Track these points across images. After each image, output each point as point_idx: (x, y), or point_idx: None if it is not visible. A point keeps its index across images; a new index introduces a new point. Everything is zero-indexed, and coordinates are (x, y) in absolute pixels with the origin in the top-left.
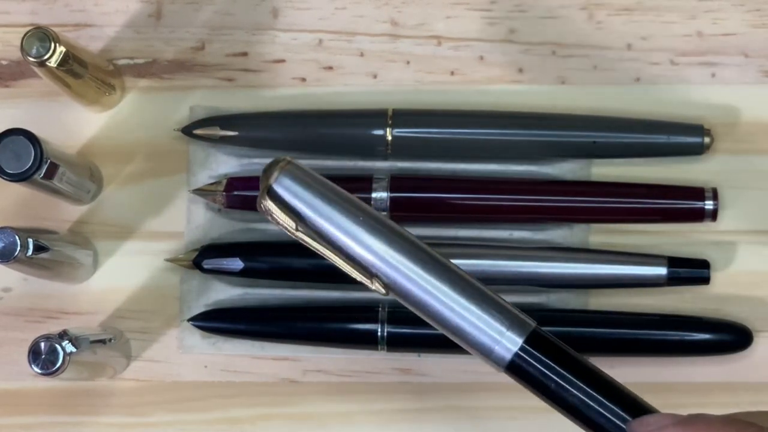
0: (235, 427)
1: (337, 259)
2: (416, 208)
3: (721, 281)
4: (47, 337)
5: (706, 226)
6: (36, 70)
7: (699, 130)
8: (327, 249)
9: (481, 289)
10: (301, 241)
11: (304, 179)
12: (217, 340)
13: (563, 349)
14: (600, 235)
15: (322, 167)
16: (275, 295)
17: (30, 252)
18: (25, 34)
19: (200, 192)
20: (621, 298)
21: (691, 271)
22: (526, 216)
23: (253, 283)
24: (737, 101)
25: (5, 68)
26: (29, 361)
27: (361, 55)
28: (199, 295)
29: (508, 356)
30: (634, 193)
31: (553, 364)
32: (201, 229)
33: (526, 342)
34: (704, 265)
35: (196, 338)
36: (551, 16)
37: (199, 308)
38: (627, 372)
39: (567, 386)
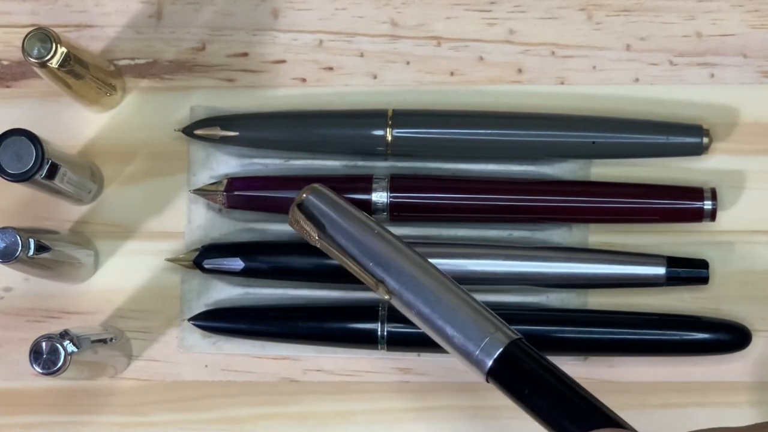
0: (236, 426)
1: (350, 264)
2: (416, 208)
3: (719, 281)
4: (48, 337)
5: (705, 226)
6: (37, 70)
7: (698, 130)
8: (342, 256)
9: (471, 302)
10: (321, 248)
11: (328, 199)
12: (217, 340)
13: (541, 361)
14: (599, 235)
15: (322, 167)
16: (275, 295)
17: (31, 252)
18: (26, 35)
19: (201, 192)
20: (620, 297)
21: (690, 270)
22: (526, 216)
23: (254, 283)
24: (736, 101)
25: (6, 68)
26: (30, 361)
27: (361, 55)
28: (200, 295)
29: (489, 363)
30: (633, 193)
31: (528, 373)
32: (201, 229)
33: (505, 351)
34: (703, 265)
35: (196, 338)
36: (551, 16)
37: (199, 308)
38: (626, 371)
39: (539, 398)
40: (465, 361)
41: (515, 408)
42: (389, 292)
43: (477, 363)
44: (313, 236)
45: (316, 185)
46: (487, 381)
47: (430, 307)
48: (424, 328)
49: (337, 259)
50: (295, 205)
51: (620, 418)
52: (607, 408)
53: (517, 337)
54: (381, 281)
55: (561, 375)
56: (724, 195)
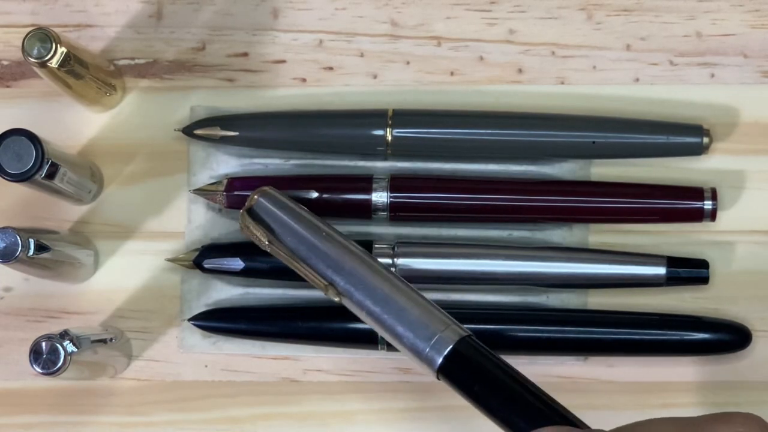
0: (236, 426)
1: (300, 268)
2: (416, 208)
3: (720, 281)
4: (48, 337)
5: (706, 226)
6: (37, 70)
7: (698, 130)
8: (292, 260)
9: (420, 300)
10: (272, 252)
11: (278, 202)
12: (217, 340)
13: (490, 358)
14: (599, 234)
15: (322, 167)
16: (275, 295)
17: (31, 252)
18: (26, 35)
19: (201, 192)
20: (620, 297)
21: (690, 270)
22: (526, 216)
23: (254, 282)
24: (736, 101)
25: (6, 68)
26: (30, 361)
27: (361, 55)
28: (200, 295)
29: (439, 361)
30: (634, 193)
31: (478, 369)
32: (201, 229)
33: (455, 348)
34: (703, 265)
35: (196, 338)
36: (551, 16)
37: (199, 308)
38: (626, 372)
39: (490, 395)
40: (416, 360)
41: None
42: (339, 294)
43: (427, 360)
44: (263, 241)
45: (266, 188)
46: (438, 378)
47: (379, 306)
48: (375, 328)
49: (288, 263)
50: (245, 211)
51: (574, 416)
52: (561, 406)
53: (466, 334)
54: (331, 284)
55: (512, 372)
56: (724, 195)
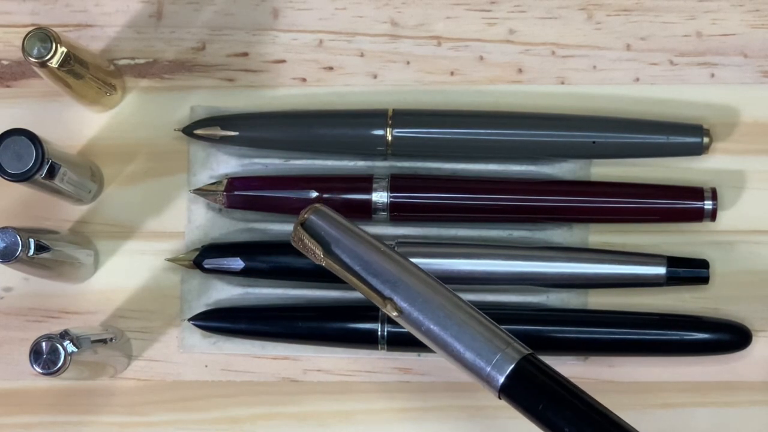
0: (236, 426)
1: (357, 283)
2: (416, 208)
3: (720, 281)
4: (48, 337)
5: (706, 226)
6: (37, 70)
7: (698, 130)
8: (349, 274)
9: (480, 318)
10: (327, 266)
11: (331, 219)
12: (217, 340)
13: (554, 376)
14: (599, 234)
15: (322, 167)
16: (275, 295)
17: (31, 252)
18: (26, 35)
19: (201, 192)
20: (620, 297)
21: (690, 270)
22: (526, 216)
23: (254, 282)
24: (736, 101)
25: (6, 68)
26: (30, 361)
27: (361, 55)
28: (200, 295)
29: (501, 379)
30: (634, 193)
31: (542, 388)
32: (201, 229)
33: (517, 367)
34: (703, 264)
35: (196, 338)
36: (551, 16)
37: (199, 308)
38: (626, 372)
39: (554, 414)
40: (476, 379)
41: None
42: (398, 309)
43: (489, 380)
44: (318, 255)
45: (318, 205)
46: (500, 398)
47: (439, 325)
48: (433, 347)
49: (344, 277)
50: (299, 224)
51: None
52: (628, 425)
53: (528, 352)
54: (389, 299)
55: (576, 390)
56: (724, 195)
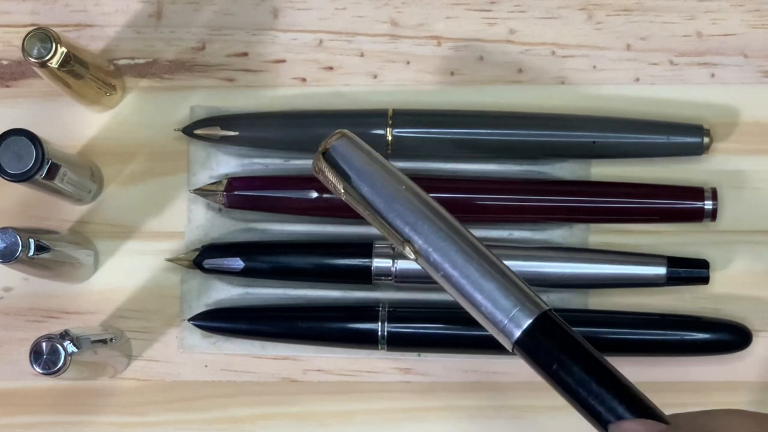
0: (235, 426)
1: (376, 222)
2: None
3: (720, 281)
4: (49, 337)
5: (706, 226)
6: (37, 70)
7: (698, 130)
8: (368, 210)
9: (501, 268)
10: (346, 201)
11: (357, 147)
12: (217, 340)
13: (571, 335)
14: (600, 235)
15: None
16: (275, 295)
17: (31, 252)
18: (26, 35)
19: (201, 192)
20: (621, 297)
21: (690, 270)
22: (526, 216)
23: (254, 282)
24: (736, 101)
25: (6, 68)
26: (31, 361)
27: (361, 55)
28: (200, 295)
29: (517, 333)
30: (634, 193)
31: (557, 347)
32: (201, 229)
33: (535, 322)
34: (704, 264)
35: (196, 338)
36: (551, 16)
37: (199, 308)
38: (627, 372)
39: (568, 374)
40: (492, 329)
41: (516, 408)
42: (416, 252)
43: (504, 332)
44: (338, 188)
45: (345, 131)
46: (513, 352)
47: (459, 271)
48: (450, 292)
49: (362, 213)
50: (320, 153)
51: (653, 405)
52: (642, 394)
53: (548, 308)
54: (408, 240)
55: (592, 352)
56: (724, 195)
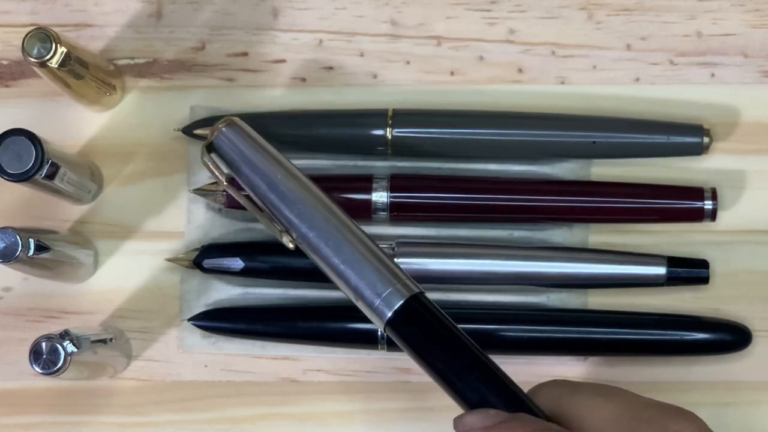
0: (235, 426)
1: (257, 211)
2: (416, 208)
3: (720, 281)
4: (48, 337)
5: (706, 226)
6: (37, 70)
7: (698, 130)
8: (249, 202)
9: (377, 253)
10: (230, 192)
11: (241, 137)
12: (217, 340)
13: (441, 320)
14: (599, 234)
15: (322, 167)
16: (275, 295)
17: (31, 252)
18: (26, 35)
19: (200, 192)
20: (620, 297)
21: (690, 270)
22: (526, 216)
23: (254, 282)
24: (737, 101)
25: (6, 68)
26: (30, 361)
27: (361, 55)
28: (200, 295)
29: (389, 314)
30: (634, 193)
31: (427, 329)
32: (201, 229)
33: (406, 303)
34: (703, 264)
35: (196, 338)
36: (551, 15)
37: (199, 308)
38: (626, 372)
39: (435, 355)
40: (366, 310)
41: None
42: (293, 240)
43: (377, 312)
44: (221, 179)
45: (233, 118)
46: (385, 332)
47: (334, 252)
48: (329, 275)
49: (246, 204)
50: (205, 146)
51: (516, 386)
52: (506, 376)
53: (419, 291)
54: (286, 230)
55: (461, 335)
56: (724, 195)
